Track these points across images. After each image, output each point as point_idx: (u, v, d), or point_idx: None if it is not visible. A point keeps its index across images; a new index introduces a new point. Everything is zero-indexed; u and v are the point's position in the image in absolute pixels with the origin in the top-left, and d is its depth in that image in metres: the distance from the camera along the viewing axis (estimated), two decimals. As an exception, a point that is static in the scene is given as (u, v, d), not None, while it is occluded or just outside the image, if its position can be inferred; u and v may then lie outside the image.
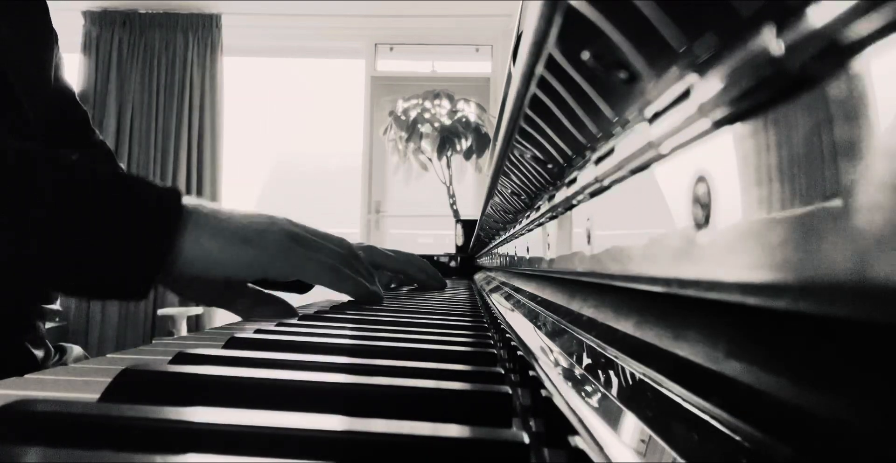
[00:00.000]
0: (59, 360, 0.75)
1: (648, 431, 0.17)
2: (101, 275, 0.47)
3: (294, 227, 0.58)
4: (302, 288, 0.71)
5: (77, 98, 0.81)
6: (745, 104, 0.15)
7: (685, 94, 0.18)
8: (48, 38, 0.75)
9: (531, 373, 0.28)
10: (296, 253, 0.55)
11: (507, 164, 0.61)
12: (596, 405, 0.20)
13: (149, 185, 0.50)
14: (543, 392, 0.24)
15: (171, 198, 0.50)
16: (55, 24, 0.76)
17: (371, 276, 0.65)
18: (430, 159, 2.90)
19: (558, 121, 0.36)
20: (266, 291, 0.64)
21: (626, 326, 0.26)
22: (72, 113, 0.80)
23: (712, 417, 0.15)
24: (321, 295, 0.84)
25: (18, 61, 0.65)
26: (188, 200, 0.51)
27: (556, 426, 0.21)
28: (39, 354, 0.69)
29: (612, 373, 0.24)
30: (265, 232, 0.54)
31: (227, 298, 0.63)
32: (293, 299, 0.67)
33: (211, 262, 0.50)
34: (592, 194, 0.33)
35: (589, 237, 0.33)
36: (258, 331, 0.40)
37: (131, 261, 0.47)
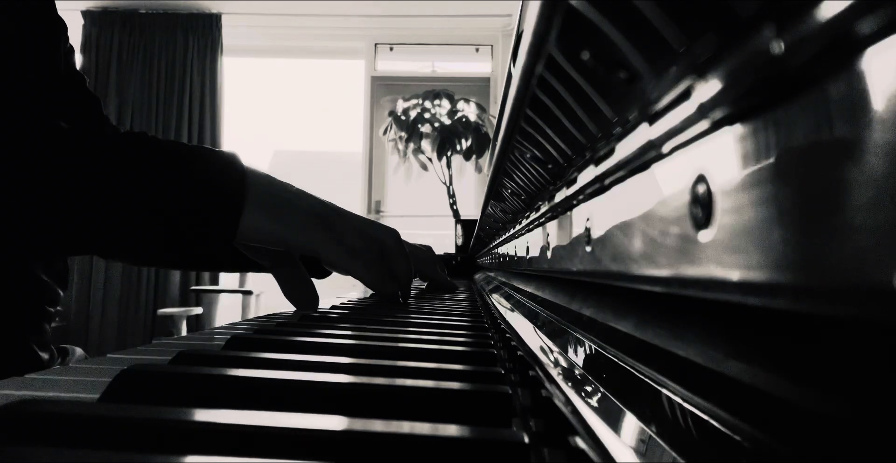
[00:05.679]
0: (61, 362, 0.75)
1: (648, 431, 0.17)
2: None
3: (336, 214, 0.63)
4: (321, 273, 0.73)
5: (87, 86, 0.81)
6: (746, 104, 0.15)
7: (685, 94, 0.18)
8: (55, 28, 0.74)
9: (531, 373, 0.28)
10: (325, 235, 0.60)
11: (507, 164, 0.61)
12: (596, 405, 0.20)
13: (218, 157, 0.57)
14: (543, 392, 0.24)
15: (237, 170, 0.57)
16: None
17: (401, 275, 0.69)
18: (430, 159, 2.90)
19: (558, 121, 0.36)
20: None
21: (626, 325, 0.26)
22: (83, 100, 0.80)
23: (712, 416, 0.15)
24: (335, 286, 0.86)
25: (26, 53, 0.67)
26: (249, 170, 0.58)
27: (556, 426, 0.21)
28: (45, 356, 0.70)
29: (612, 373, 0.24)
30: (301, 209, 0.60)
31: (275, 262, 0.68)
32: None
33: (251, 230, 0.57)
34: (592, 194, 0.33)
35: (589, 237, 0.33)
36: (258, 331, 0.40)
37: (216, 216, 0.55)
